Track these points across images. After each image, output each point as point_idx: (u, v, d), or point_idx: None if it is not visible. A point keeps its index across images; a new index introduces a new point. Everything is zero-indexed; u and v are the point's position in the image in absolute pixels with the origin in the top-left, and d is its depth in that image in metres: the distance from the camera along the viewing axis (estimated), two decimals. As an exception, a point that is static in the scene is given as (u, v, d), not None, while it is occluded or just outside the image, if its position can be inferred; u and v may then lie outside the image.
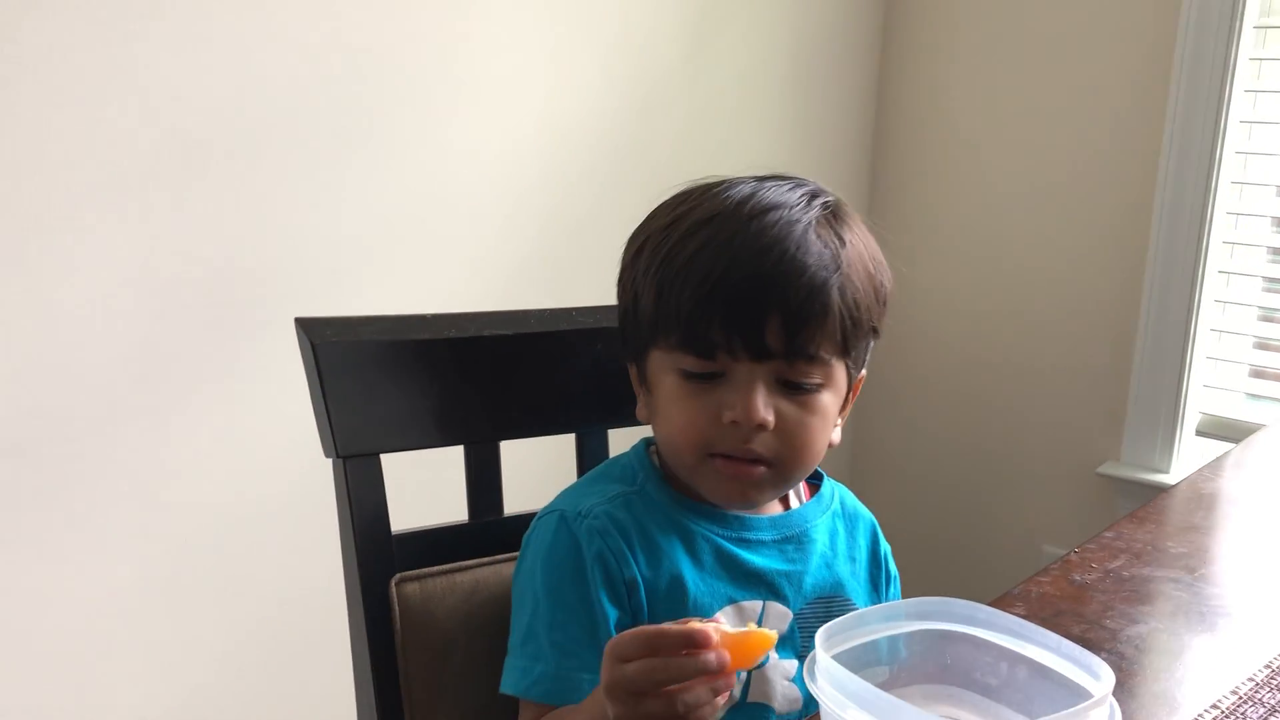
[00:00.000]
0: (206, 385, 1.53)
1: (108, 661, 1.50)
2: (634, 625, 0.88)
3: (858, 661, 0.76)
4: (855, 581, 0.99)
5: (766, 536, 0.94)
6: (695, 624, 0.72)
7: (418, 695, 1.02)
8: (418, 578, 1.03)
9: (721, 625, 0.74)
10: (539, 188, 1.87)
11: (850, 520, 1.01)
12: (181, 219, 1.47)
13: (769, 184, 0.91)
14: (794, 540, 0.95)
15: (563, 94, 1.87)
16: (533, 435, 1.09)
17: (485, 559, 1.06)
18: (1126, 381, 2.21)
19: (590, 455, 1.14)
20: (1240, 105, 2.05)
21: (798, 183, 0.92)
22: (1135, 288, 2.18)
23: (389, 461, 1.02)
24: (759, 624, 0.92)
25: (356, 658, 1.04)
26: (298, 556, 1.64)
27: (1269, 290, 2.15)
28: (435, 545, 1.05)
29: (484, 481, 1.08)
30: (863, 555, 1.01)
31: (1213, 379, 2.18)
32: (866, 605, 0.99)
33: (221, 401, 1.55)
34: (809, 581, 0.95)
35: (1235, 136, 2.06)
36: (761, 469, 0.88)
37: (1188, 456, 2.19)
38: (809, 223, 0.87)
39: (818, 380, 0.88)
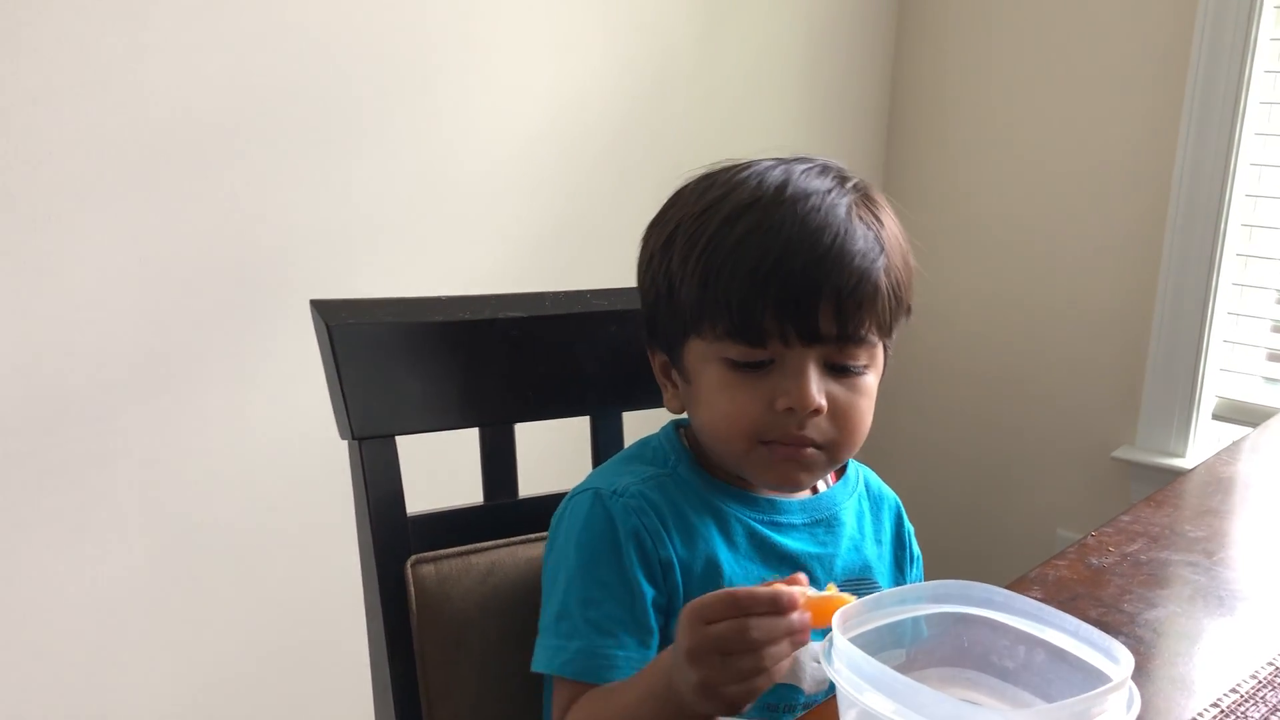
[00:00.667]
0: (220, 368, 1.54)
1: (121, 646, 1.51)
2: (670, 606, 0.89)
3: (874, 644, 0.76)
4: (881, 564, 0.99)
5: (797, 520, 0.94)
6: (780, 586, 0.74)
7: (433, 676, 1.03)
8: (433, 559, 1.03)
9: (804, 584, 0.75)
10: (553, 170, 1.86)
11: (875, 502, 1.02)
12: (194, 202, 1.47)
13: (797, 166, 0.90)
14: (824, 523, 0.95)
15: (576, 76, 1.87)
16: (548, 418, 1.09)
17: (501, 541, 1.06)
18: (1143, 365, 2.20)
19: (605, 438, 1.14)
20: (1261, 86, 2.03)
21: (824, 165, 0.92)
22: (1152, 272, 2.17)
23: (404, 443, 1.02)
24: None
25: (372, 639, 1.04)
26: (313, 539, 1.65)
27: (1287, 273, 2.14)
28: (450, 527, 1.06)
29: (499, 463, 1.08)
30: (888, 537, 1.01)
31: (1229, 363, 2.17)
32: (892, 587, 1.00)
33: (236, 384, 1.56)
34: (839, 564, 0.95)
35: (1255, 118, 2.04)
36: (813, 451, 0.88)
37: (1204, 441, 2.18)
38: (849, 206, 0.87)
39: (864, 362, 0.89)
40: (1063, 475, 2.33)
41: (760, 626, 0.72)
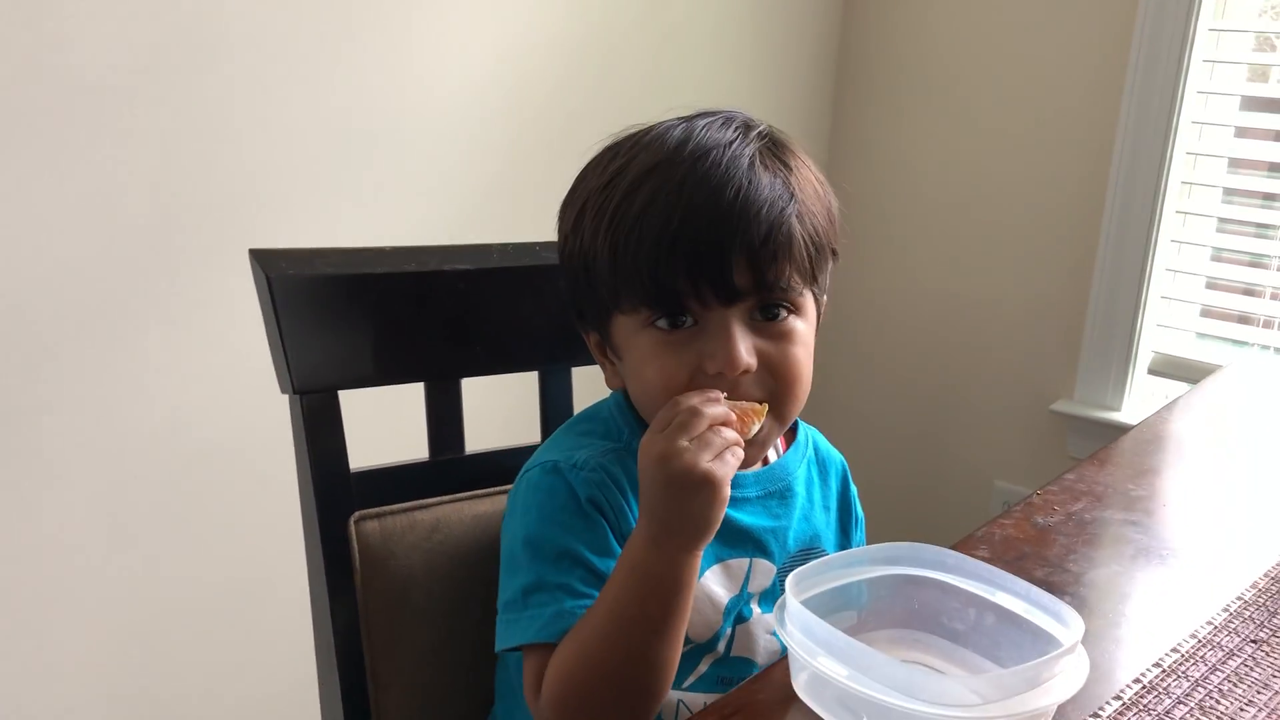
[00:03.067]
0: (155, 317, 1.49)
1: (58, 598, 1.48)
2: None
3: (826, 606, 0.76)
4: (828, 530, 0.99)
5: (752, 493, 0.93)
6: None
7: (376, 633, 1.01)
8: (377, 516, 1.01)
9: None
10: (497, 119, 1.82)
11: (823, 466, 1.01)
12: (126, 147, 1.41)
13: (699, 122, 0.87)
14: (777, 495, 0.94)
15: (520, 22, 1.82)
16: (495, 373, 1.07)
17: (446, 497, 1.05)
18: (1081, 320, 2.22)
19: (554, 394, 1.12)
20: (1204, 44, 2.04)
21: (727, 117, 0.88)
22: (1092, 227, 2.18)
23: (348, 398, 0.99)
24: (746, 582, 0.91)
25: (315, 595, 1.02)
26: (254, 493, 1.62)
27: (1221, 231, 2.17)
28: (395, 483, 1.04)
29: (445, 419, 1.06)
30: (834, 501, 1.00)
31: (1166, 318, 2.21)
32: (830, 549, 0.99)
33: (171, 333, 1.51)
34: (792, 536, 0.94)
35: (1197, 76, 2.06)
36: None
37: (1139, 395, 2.21)
38: (753, 155, 0.84)
39: (790, 312, 0.86)
40: (1001, 428, 2.36)
41: (702, 405, 0.78)
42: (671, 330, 0.84)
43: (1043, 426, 2.30)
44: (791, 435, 1.00)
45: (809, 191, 0.86)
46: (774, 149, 0.87)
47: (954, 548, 0.91)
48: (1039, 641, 0.73)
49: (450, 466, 1.07)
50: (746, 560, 0.91)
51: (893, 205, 2.45)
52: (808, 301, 0.88)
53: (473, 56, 1.76)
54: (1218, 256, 2.19)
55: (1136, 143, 2.09)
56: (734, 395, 0.83)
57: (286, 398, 0.98)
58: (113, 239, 1.42)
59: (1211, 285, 2.20)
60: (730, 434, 0.78)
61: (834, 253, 0.90)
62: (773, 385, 0.85)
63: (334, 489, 0.99)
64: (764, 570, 0.92)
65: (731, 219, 0.81)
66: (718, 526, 0.78)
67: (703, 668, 0.90)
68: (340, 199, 1.65)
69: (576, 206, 0.89)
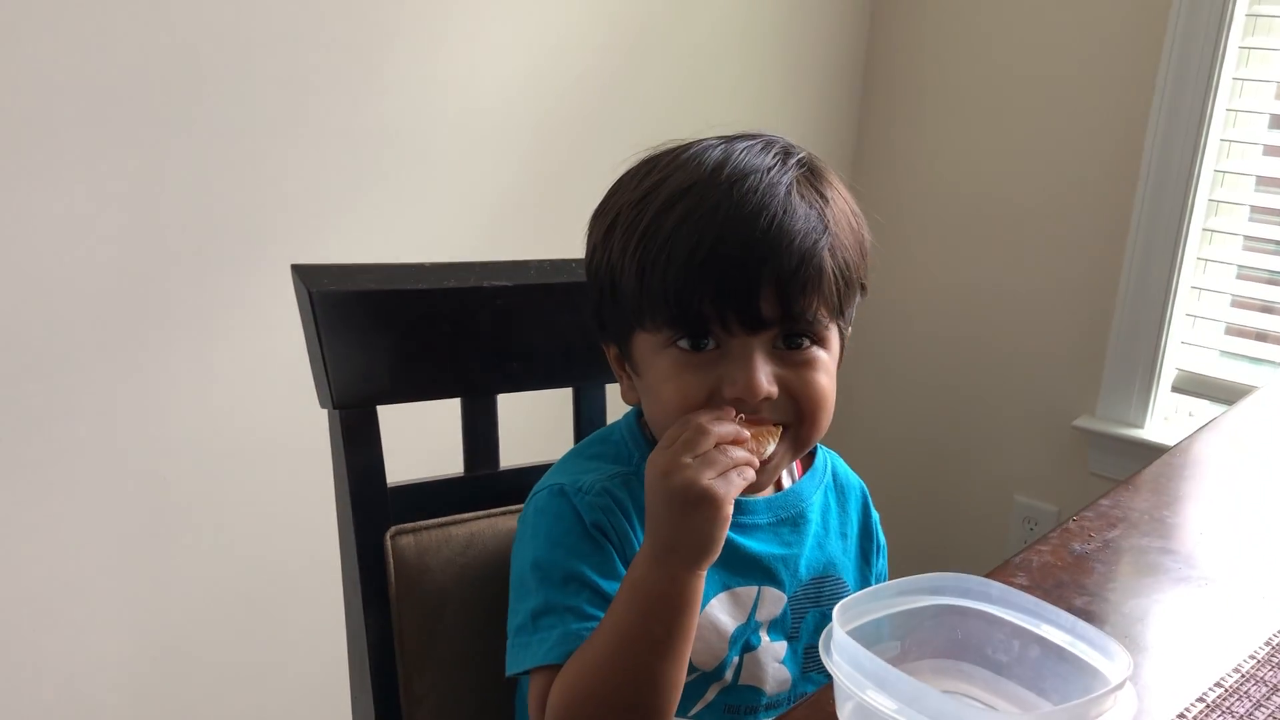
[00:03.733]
0: (188, 326, 1.49)
1: (86, 607, 1.48)
2: None
3: (869, 636, 0.76)
4: (846, 558, 0.97)
5: (763, 520, 0.92)
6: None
7: (410, 647, 1.02)
8: (413, 530, 1.02)
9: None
10: (528, 130, 1.82)
11: (842, 492, 1.00)
12: (163, 155, 1.42)
13: (739, 144, 0.86)
14: (789, 522, 0.93)
15: (551, 35, 1.82)
16: (530, 389, 1.07)
17: (481, 512, 1.05)
18: (1105, 336, 2.22)
19: (588, 410, 1.12)
20: (1233, 62, 2.03)
21: (767, 141, 0.87)
22: (1119, 244, 2.18)
23: (385, 412, 0.99)
24: (754, 610, 0.91)
25: (349, 609, 1.03)
26: (288, 506, 1.62)
27: (1248, 249, 2.16)
28: (430, 498, 1.04)
29: (480, 435, 1.07)
30: (854, 530, 0.99)
31: (1190, 336, 2.20)
32: (856, 580, 0.98)
33: (205, 343, 1.51)
34: (803, 563, 0.93)
35: (1226, 93, 2.05)
36: None
37: (1162, 412, 2.21)
38: (789, 184, 0.83)
39: (814, 343, 0.85)
40: (1023, 443, 2.36)
41: (707, 422, 0.78)
42: (693, 352, 0.83)
43: (1064, 442, 2.29)
44: (809, 460, 0.99)
45: (843, 225, 0.86)
46: (811, 178, 0.86)
47: (990, 574, 0.91)
48: (1084, 676, 0.72)
49: (485, 482, 1.07)
50: (755, 588, 0.90)
51: (916, 217, 2.44)
52: (832, 335, 0.87)
53: (502, 70, 1.76)
54: (1244, 275, 2.18)
55: (1164, 159, 2.09)
56: (758, 417, 0.83)
57: (319, 411, 0.98)
58: (147, 250, 1.43)
59: (1237, 304, 2.19)
60: (739, 453, 0.78)
61: (863, 287, 0.90)
62: (794, 411, 0.85)
63: (371, 503, 1.00)
64: (773, 599, 0.91)
65: (763, 248, 0.80)
66: (720, 545, 0.77)
67: (710, 696, 0.89)
68: (370, 210, 1.65)
69: (608, 219, 0.88)
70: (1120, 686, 0.68)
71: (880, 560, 1.02)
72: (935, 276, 2.44)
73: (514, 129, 1.80)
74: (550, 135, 1.85)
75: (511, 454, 1.08)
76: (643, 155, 0.90)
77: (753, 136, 0.88)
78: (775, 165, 0.84)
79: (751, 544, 0.90)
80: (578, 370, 1.10)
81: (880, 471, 2.50)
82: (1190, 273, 2.15)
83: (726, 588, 0.89)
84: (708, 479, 0.75)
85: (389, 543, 1.00)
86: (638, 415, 0.95)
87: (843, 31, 2.38)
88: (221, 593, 1.61)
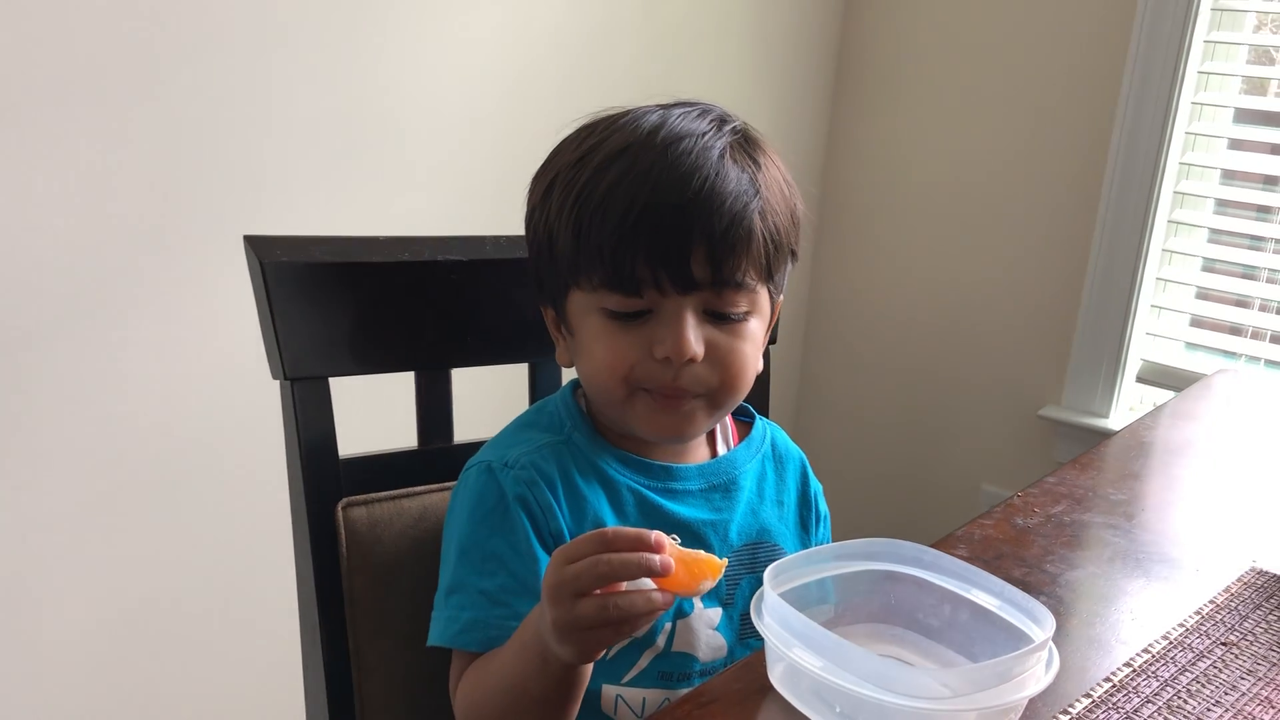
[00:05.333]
0: (146, 300, 1.50)
1: (46, 579, 1.48)
2: None
3: (804, 600, 0.77)
4: (783, 525, 0.99)
5: (694, 486, 0.93)
6: (647, 531, 0.72)
7: (361, 619, 1.02)
8: (364, 503, 1.02)
9: (675, 541, 0.73)
10: (497, 112, 1.83)
11: (780, 461, 1.01)
12: (122, 128, 1.42)
13: (675, 111, 0.88)
14: (721, 488, 0.95)
15: (523, 14, 1.83)
16: (485, 364, 1.08)
17: (434, 485, 1.06)
18: (1072, 327, 2.24)
19: (543, 385, 1.13)
20: (1198, 54, 2.06)
21: (704, 109, 0.89)
22: (1085, 234, 2.20)
23: (338, 385, 1.00)
24: None
25: (301, 580, 1.03)
26: (245, 477, 1.63)
27: (1213, 242, 2.18)
28: (384, 471, 1.05)
29: (435, 408, 1.07)
30: (791, 498, 1.00)
31: (1155, 327, 2.22)
32: (794, 548, 0.99)
33: (162, 316, 1.52)
34: (734, 529, 0.94)
35: (1192, 86, 2.07)
36: (691, 399, 0.87)
37: (1127, 402, 2.23)
38: (723, 148, 0.85)
39: (744, 309, 0.87)
40: (990, 432, 2.38)
41: (614, 561, 0.70)
42: (625, 312, 0.85)
43: (1030, 431, 2.31)
44: (745, 430, 1.01)
45: (775, 190, 0.88)
46: (745, 144, 0.88)
47: (934, 546, 0.92)
48: (1012, 638, 0.74)
49: (439, 455, 1.08)
50: None
51: (886, 208, 2.46)
52: (763, 299, 0.89)
53: (472, 50, 1.77)
54: (1209, 267, 2.20)
55: (1130, 152, 2.11)
56: (679, 383, 0.84)
57: (277, 384, 0.99)
58: (107, 225, 1.43)
59: (1202, 296, 2.21)
60: (627, 603, 0.70)
61: (794, 254, 0.91)
62: (713, 379, 0.86)
63: (322, 475, 1.00)
64: None
65: (695, 208, 0.82)
66: (598, 657, 0.77)
67: (642, 663, 0.90)
68: (335, 188, 1.65)
69: (546, 180, 0.90)
70: (1041, 647, 0.70)
71: (822, 529, 1.03)
72: (904, 266, 2.46)
73: (483, 113, 1.81)
74: (519, 119, 1.85)
75: (466, 428, 1.09)
76: (583, 120, 0.92)
77: (690, 104, 0.90)
78: (710, 131, 0.86)
79: (681, 509, 0.92)
80: (533, 345, 1.10)
81: (849, 460, 2.52)
82: (1155, 265, 2.17)
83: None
84: (571, 628, 0.72)
85: (340, 514, 1.01)
86: (574, 387, 0.97)
87: (816, 20, 2.40)
88: (183, 571, 1.61)
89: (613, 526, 0.73)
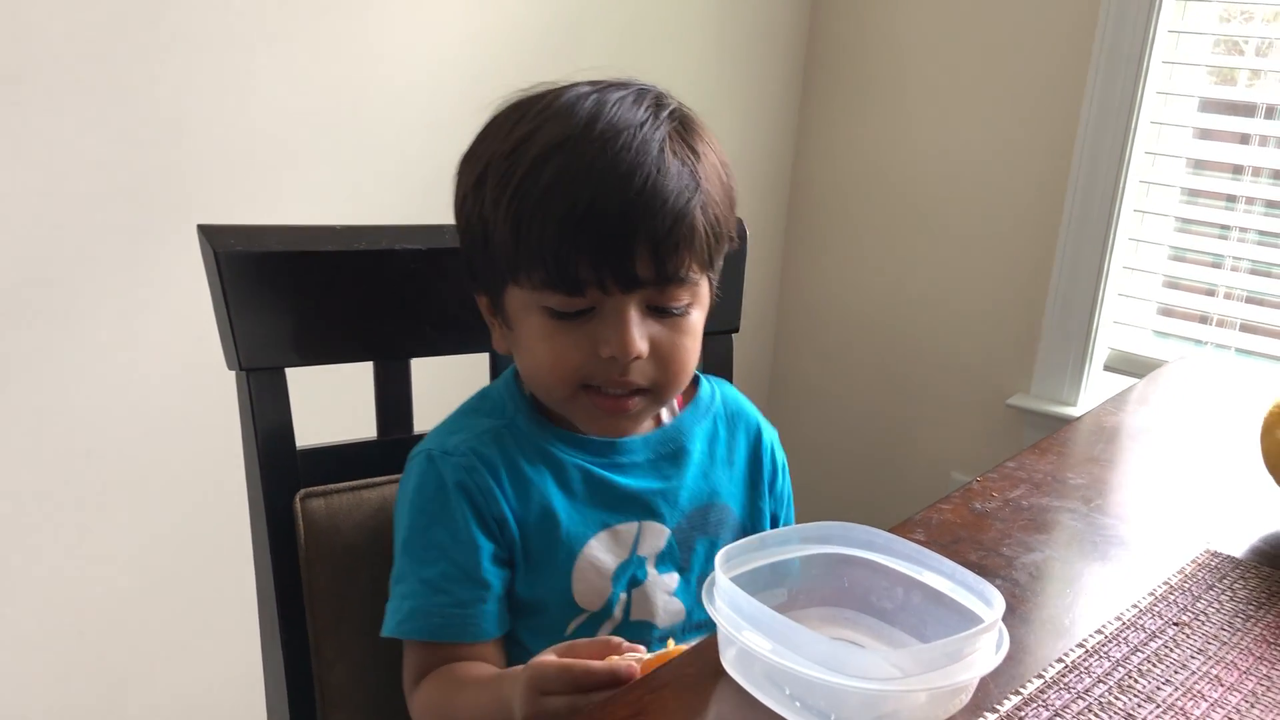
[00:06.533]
0: (108, 291, 1.49)
1: (4, 575, 1.47)
2: (510, 559, 0.89)
3: (756, 584, 0.77)
4: (733, 485, 0.99)
5: (640, 458, 0.94)
6: (618, 660, 0.73)
7: (321, 610, 1.02)
8: (323, 493, 1.02)
9: (641, 653, 0.74)
10: (461, 103, 1.82)
11: (731, 420, 1.01)
12: (82, 120, 1.41)
13: (611, 95, 0.85)
14: (669, 456, 0.95)
15: (489, 10, 1.82)
16: (445, 354, 1.07)
17: (393, 476, 1.05)
18: (1040, 316, 2.25)
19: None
20: (1163, 46, 2.07)
21: (639, 90, 0.87)
22: (1052, 224, 2.21)
23: (299, 375, 1.00)
24: (635, 546, 0.92)
25: (259, 572, 1.03)
26: (204, 468, 1.62)
27: (1180, 230, 2.20)
28: (342, 462, 1.04)
29: (393, 398, 1.07)
30: (741, 457, 1.00)
31: (1123, 316, 2.23)
32: (743, 507, 1.00)
33: (124, 308, 1.51)
34: (685, 495, 0.95)
35: (1157, 76, 2.08)
36: (637, 400, 0.88)
37: (1095, 390, 2.24)
38: (662, 140, 0.83)
39: (687, 301, 0.87)
40: (959, 421, 2.39)
41: (593, 699, 0.72)
42: (568, 311, 0.84)
43: (999, 420, 2.32)
44: (691, 393, 1.00)
45: (714, 180, 0.87)
46: (683, 132, 0.86)
47: (892, 531, 0.93)
48: (963, 619, 0.74)
49: (398, 446, 1.07)
50: (635, 524, 0.92)
51: (856, 200, 2.47)
52: (703, 289, 0.89)
53: (436, 41, 1.77)
54: (1176, 256, 2.22)
55: (1096, 141, 2.12)
56: (621, 382, 0.85)
57: (234, 374, 0.99)
58: (65, 219, 1.42)
59: (1169, 284, 2.23)
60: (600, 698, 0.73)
61: (731, 238, 0.91)
62: (656, 373, 0.87)
63: (280, 466, 1.00)
64: (656, 532, 0.93)
65: (638, 209, 0.81)
66: None
67: (601, 635, 0.91)
68: (298, 179, 1.65)
69: (478, 168, 0.88)
70: (990, 627, 0.70)
71: (781, 482, 1.03)
72: (873, 258, 2.46)
73: (446, 104, 1.80)
74: (482, 111, 1.84)
75: (426, 419, 1.09)
76: (511, 99, 0.90)
77: (624, 85, 0.88)
78: (648, 120, 0.84)
79: (629, 481, 0.92)
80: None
81: (820, 449, 2.53)
82: (1123, 253, 2.18)
83: (606, 526, 0.91)
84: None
85: (298, 505, 1.00)
86: (515, 375, 0.97)
87: (784, 15, 2.40)
88: (144, 563, 1.61)
89: (580, 664, 0.73)
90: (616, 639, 0.76)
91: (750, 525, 1.00)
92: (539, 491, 0.90)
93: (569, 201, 0.81)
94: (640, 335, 0.84)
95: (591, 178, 0.81)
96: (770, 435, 1.03)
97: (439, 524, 0.88)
